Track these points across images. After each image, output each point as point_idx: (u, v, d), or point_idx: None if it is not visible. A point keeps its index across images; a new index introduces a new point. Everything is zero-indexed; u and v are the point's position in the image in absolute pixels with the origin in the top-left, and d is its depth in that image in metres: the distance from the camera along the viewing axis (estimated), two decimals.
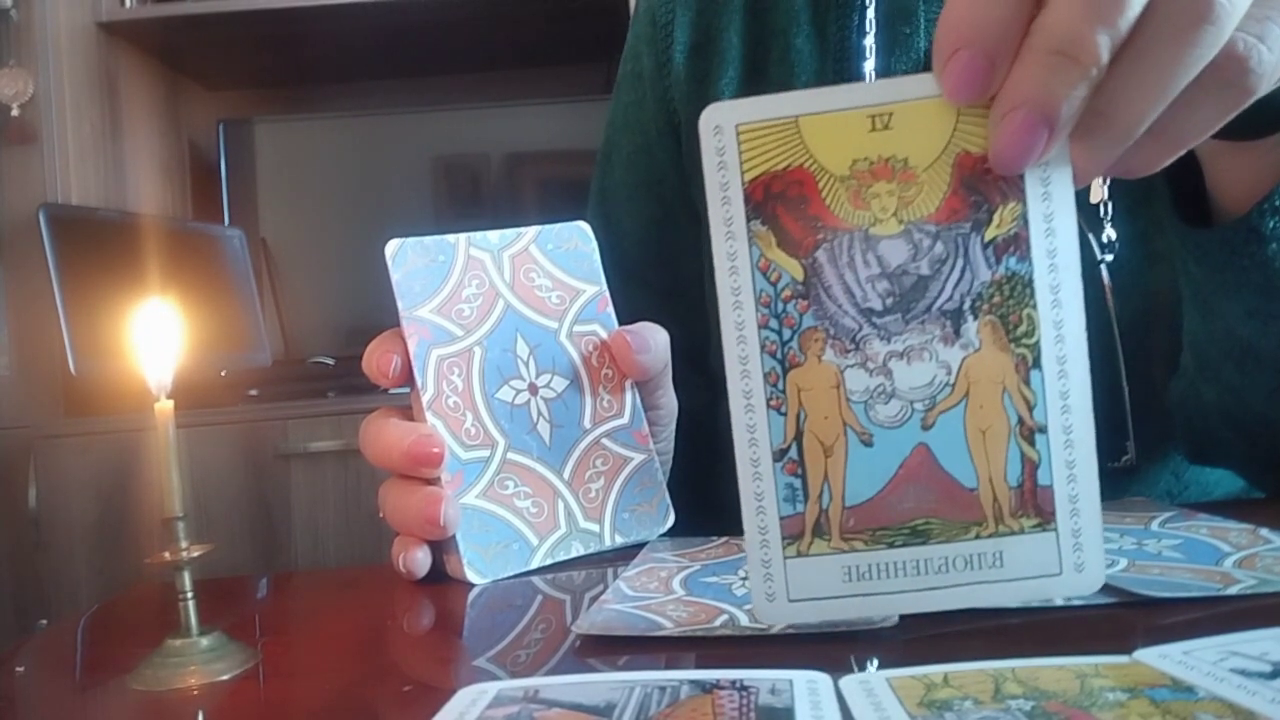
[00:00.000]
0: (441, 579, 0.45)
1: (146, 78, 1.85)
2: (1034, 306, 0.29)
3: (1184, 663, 0.26)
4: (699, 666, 0.31)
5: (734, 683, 0.27)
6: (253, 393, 1.65)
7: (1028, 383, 0.29)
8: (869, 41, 0.58)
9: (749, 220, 0.30)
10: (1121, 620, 0.32)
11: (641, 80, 0.67)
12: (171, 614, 0.35)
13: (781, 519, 0.30)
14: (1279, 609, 0.31)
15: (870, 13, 0.58)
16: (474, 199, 1.97)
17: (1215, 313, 0.47)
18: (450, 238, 0.47)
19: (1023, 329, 0.29)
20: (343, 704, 0.32)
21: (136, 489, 1.45)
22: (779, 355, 0.30)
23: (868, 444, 0.30)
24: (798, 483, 0.30)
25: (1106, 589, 0.34)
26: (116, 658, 0.36)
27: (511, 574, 0.44)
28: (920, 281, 0.29)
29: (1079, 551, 0.29)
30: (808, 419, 0.30)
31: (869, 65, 0.58)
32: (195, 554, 0.35)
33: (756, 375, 0.30)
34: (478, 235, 0.47)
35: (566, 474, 0.46)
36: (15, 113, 1.55)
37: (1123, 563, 0.37)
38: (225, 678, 0.34)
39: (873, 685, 0.27)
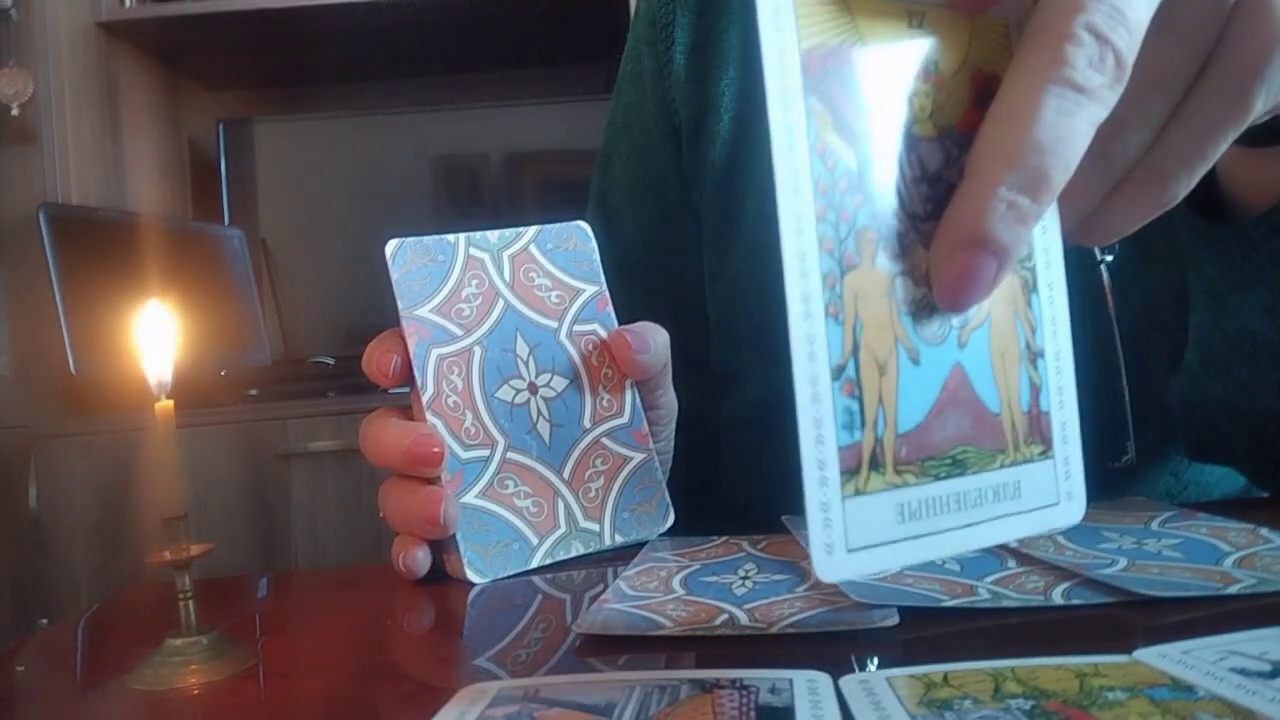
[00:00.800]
0: (441, 578, 0.45)
1: (146, 78, 1.85)
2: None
3: (1183, 662, 0.26)
4: (699, 666, 0.31)
5: (734, 682, 0.27)
6: (253, 392, 1.65)
7: (1030, 305, 0.29)
8: None
9: (806, 95, 0.26)
10: (1121, 620, 0.32)
11: (641, 81, 0.67)
12: (171, 614, 0.35)
13: (840, 449, 0.26)
14: (1278, 608, 0.31)
15: None
16: (474, 199, 1.97)
17: (1228, 308, 0.47)
18: (450, 237, 0.47)
19: (1023, 253, 0.28)
20: (343, 704, 0.32)
21: (136, 489, 1.45)
22: (836, 255, 0.27)
23: (915, 362, 0.27)
24: (855, 406, 0.27)
25: (1106, 589, 0.34)
26: (116, 658, 0.36)
27: (511, 573, 0.44)
28: (951, 190, 0.27)
29: (1069, 480, 0.29)
30: (864, 330, 0.27)
31: None
32: (195, 554, 0.35)
33: (814, 277, 0.27)
34: (477, 235, 0.47)
35: (566, 473, 0.46)
36: (15, 113, 1.55)
37: (1122, 562, 0.37)
38: (225, 677, 0.34)
39: (873, 685, 0.27)
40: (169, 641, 0.34)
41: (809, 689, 0.27)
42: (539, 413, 0.46)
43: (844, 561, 0.27)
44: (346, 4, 1.67)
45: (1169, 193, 0.29)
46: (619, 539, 0.47)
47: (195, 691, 0.33)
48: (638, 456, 0.48)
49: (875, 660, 0.30)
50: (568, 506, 0.46)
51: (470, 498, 0.44)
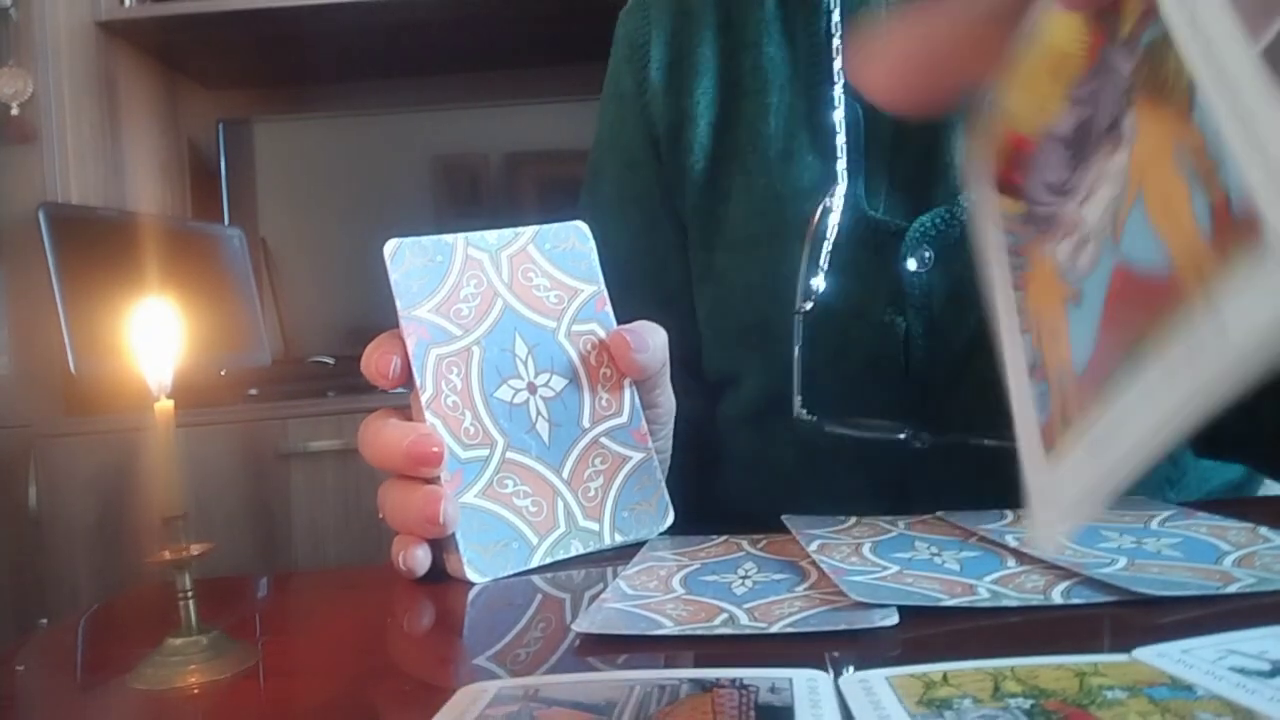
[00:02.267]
0: (441, 578, 0.45)
1: (146, 77, 1.85)
2: (1174, 44, 0.24)
3: (1183, 661, 0.26)
4: (699, 666, 0.31)
5: (734, 682, 0.27)
6: (253, 392, 1.65)
7: (1192, 120, 0.24)
8: (838, 42, 0.60)
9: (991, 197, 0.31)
10: (1121, 619, 0.32)
11: (622, 101, 0.70)
12: (171, 614, 0.35)
13: (1040, 429, 0.28)
14: (1277, 607, 0.31)
15: (835, 16, 0.61)
16: (473, 199, 1.97)
17: None
18: (448, 238, 0.47)
19: (1172, 74, 0.25)
20: (343, 704, 0.32)
21: (136, 489, 1.45)
22: (1018, 283, 0.30)
23: (1077, 302, 0.27)
24: (1044, 386, 0.28)
25: (1106, 588, 0.34)
26: (116, 658, 0.36)
27: (511, 573, 0.44)
28: (1083, 123, 0.28)
29: None
30: (1043, 322, 0.29)
31: (837, 65, 0.60)
32: (195, 553, 0.35)
33: (1015, 333, 0.30)
34: (475, 235, 0.47)
35: (565, 473, 0.46)
36: (15, 112, 1.55)
37: (1122, 561, 0.37)
38: (225, 677, 0.34)
39: (872, 684, 0.27)
40: (169, 641, 0.34)
41: (809, 688, 0.27)
42: (538, 412, 0.46)
43: (1062, 525, 0.28)
44: (346, 4, 1.67)
45: None
46: (618, 538, 0.47)
47: (195, 691, 0.33)
48: (637, 456, 0.48)
49: (875, 660, 0.30)
50: (567, 506, 0.46)
51: (470, 497, 0.44)
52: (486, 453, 0.45)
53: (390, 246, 0.45)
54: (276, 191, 1.92)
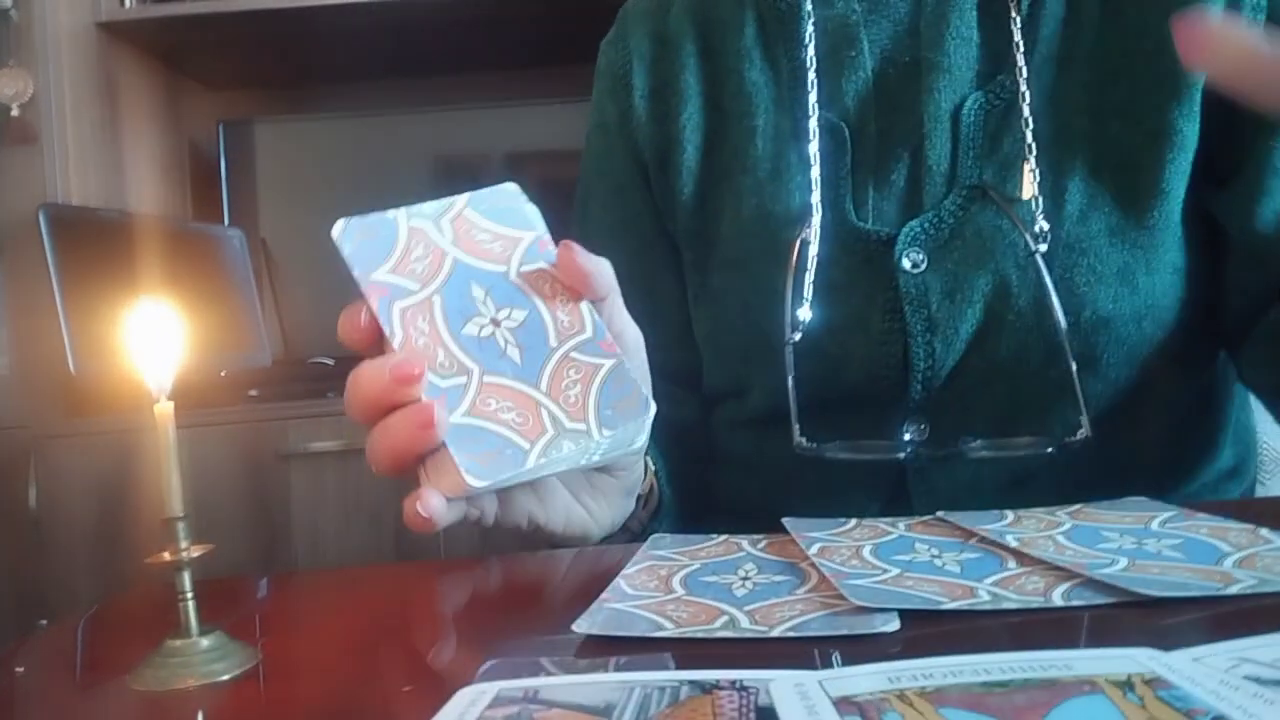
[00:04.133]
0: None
1: (146, 78, 1.85)
2: None
3: (1194, 672, 0.26)
4: (699, 666, 0.31)
5: (734, 683, 0.27)
6: (253, 393, 1.65)
7: None
8: (813, 75, 0.62)
9: None
10: (1121, 620, 0.32)
11: (608, 131, 0.72)
12: (171, 614, 0.35)
13: None
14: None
15: (811, 50, 0.62)
16: None
17: None
18: (389, 213, 0.48)
19: None
20: (343, 704, 0.32)
21: (136, 489, 1.45)
22: None
23: None
24: None
25: (1107, 589, 0.34)
26: (116, 658, 0.36)
27: (509, 474, 0.44)
28: None
29: None
30: None
31: (813, 98, 0.61)
32: (195, 554, 0.35)
33: None
34: (414, 208, 0.49)
35: (543, 386, 0.47)
36: (15, 113, 1.55)
37: (1123, 562, 0.37)
38: (225, 678, 0.34)
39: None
40: (169, 642, 0.34)
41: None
42: (506, 340, 0.47)
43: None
44: (346, 4, 1.67)
45: None
46: (606, 433, 0.46)
47: (195, 692, 0.33)
48: (608, 362, 0.48)
49: (874, 660, 0.30)
50: (550, 413, 0.46)
51: (456, 417, 0.44)
52: (464, 380, 0.46)
53: (337, 227, 0.48)
54: (277, 192, 1.91)
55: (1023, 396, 0.58)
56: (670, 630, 0.34)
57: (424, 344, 0.46)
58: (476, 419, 0.45)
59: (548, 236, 0.50)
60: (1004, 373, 0.57)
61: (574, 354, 0.48)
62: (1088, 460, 0.56)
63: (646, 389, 0.49)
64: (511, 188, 0.51)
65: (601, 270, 0.48)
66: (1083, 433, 0.56)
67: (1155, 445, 0.61)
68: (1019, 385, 0.58)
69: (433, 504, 0.43)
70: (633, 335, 0.51)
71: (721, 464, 0.68)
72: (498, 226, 0.49)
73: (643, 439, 0.49)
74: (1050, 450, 0.56)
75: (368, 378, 0.44)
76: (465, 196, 0.50)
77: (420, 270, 0.47)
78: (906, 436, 0.59)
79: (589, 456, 0.47)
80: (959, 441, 0.57)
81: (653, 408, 0.48)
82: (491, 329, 0.47)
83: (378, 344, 0.46)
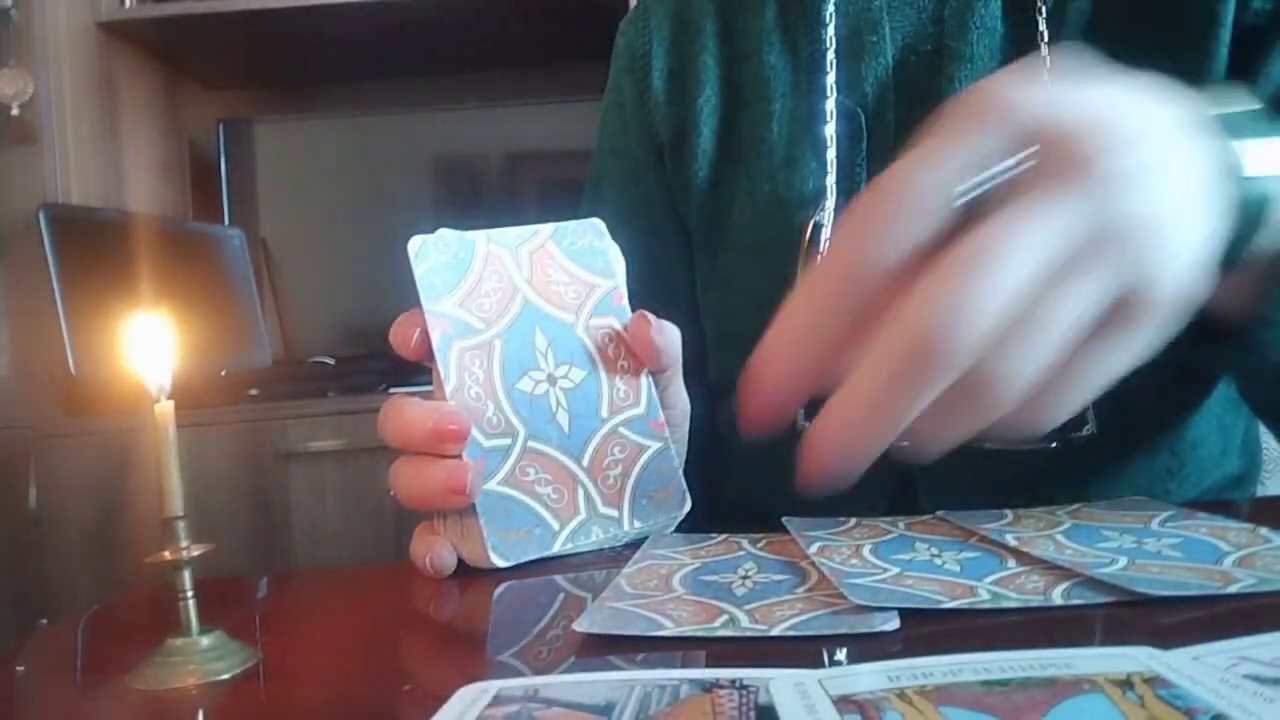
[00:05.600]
0: (464, 572, 0.45)
1: (146, 78, 1.85)
2: None
3: (1193, 671, 0.26)
4: (699, 665, 0.31)
5: (734, 682, 0.27)
6: (253, 393, 1.65)
7: None
8: (832, 56, 0.61)
9: None
10: (1121, 619, 0.32)
11: (624, 110, 0.71)
12: (171, 614, 0.35)
13: None
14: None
15: (831, 29, 0.61)
16: (474, 199, 1.97)
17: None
18: (470, 234, 0.48)
19: None
20: (343, 704, 0.32)
21: (136, 489, 1.45)
22: None
23: None
24: None
25: (1106, 588, 0.34)
26: (116, 658, 0.36)
27: (533, 557, 0.45)
28: None
29: None
30: None
31: (830, 79, 0.61)
32: (195, 554, 0.35)
33: None
34: (496, 232, 0.48)
35: (585, 461, 0.47)
36: (15, 113, 1.55)
37: (1122, 561, 0.37)
38: (225, 678, 0.34)
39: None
40: (169, 641, 0.34)
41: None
42: (558, 403, 0.47)
43: None
44: (346, 4, 1.67)
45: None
46: (637, 524, 0.47)
47: (195, 691, 0.33)
48: (654, 445, 0.48)
49: (873, 660, 0.30)
50: (587, 493, 0.47)
51: (493, 485, 0.45)
52: (509, 442, 0.46)
53: (414, 244, 0.46)
54: (276, 192, 1.91)
55: None
56: (670, 629, 0.34)
57: (476, 394, 0.45)
58: (513, 489, 0.45)
59: (624, 288, 0.50)
60: None
61: (622, 429, 0.48)
62: (1095, 461, 0.56)
63: (683, 481, 0.49)
64: (597, 223, 0.51)
65: (670, 344, 0.48)
66: (1089, 429, 0.55)
67: (1162, 449, 0.60)
68: None
69: (444, 561, 0.45)
70: (682, 408, 0.52)
71: (728, 461, 0.68)
72: (576, 268, 0.49)
73: (671, 529, 0.49)
74: (1055, 445, 0.55)
75: (411, 419, 0.44)
76: (551, 227, 0.49)
77: (488, 306, 0.47)
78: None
79: (615, 542, 0.47)
80: None
81: (688, 504, 0.49)
82: (547, 387, 0.47)
83: (428, 357, 0.46)
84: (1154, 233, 0.31)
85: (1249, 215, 0.37)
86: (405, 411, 0.45)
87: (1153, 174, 0.31)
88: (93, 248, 1.50)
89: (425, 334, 0.45)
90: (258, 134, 1.91)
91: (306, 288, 1.93)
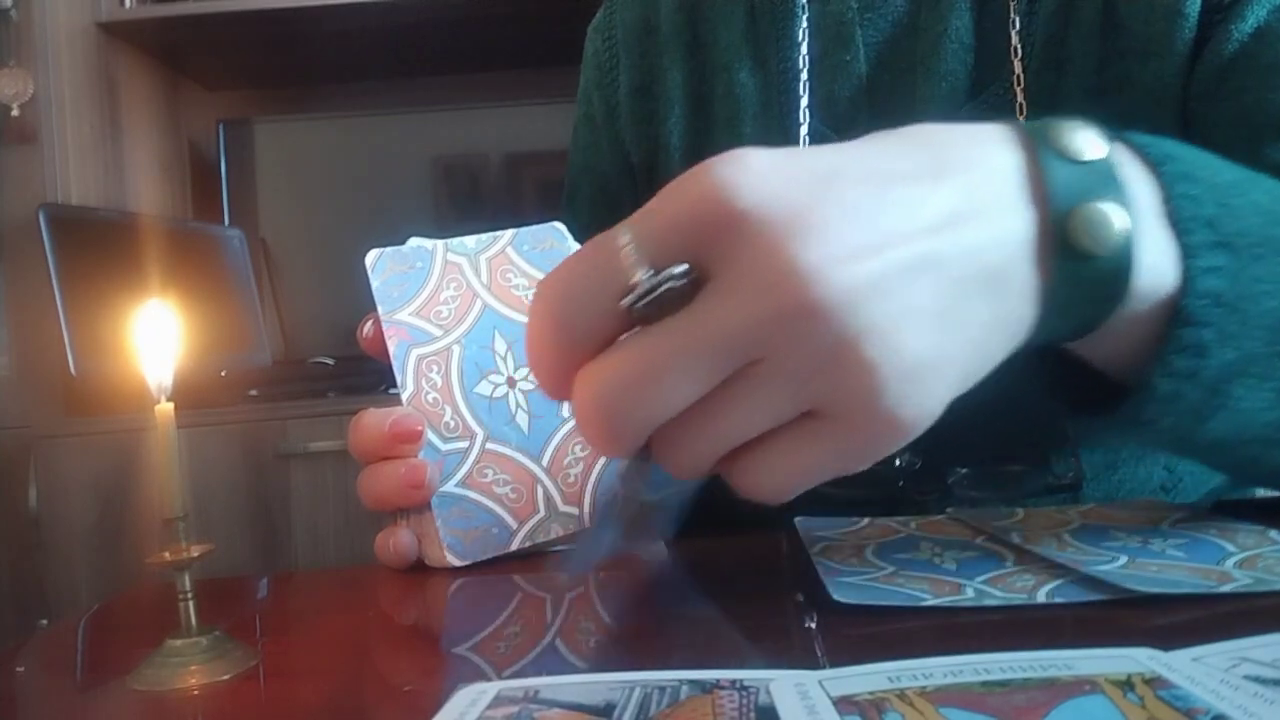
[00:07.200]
0: (421, 570, 0.45)
1: (146, 78, 1.85)
2: None
3: (1194, 671, 0.26)
4: (699, 666, 0.31)
5: (734, 682, 0.27)
6: (253, 393, 1.65)
7: None
8: (805, 77, 0.60)
9: None
10: (1121, 619, 0.32)
11: (594, 124, 0.71)
12: (171, 614, 0.35)
13: None
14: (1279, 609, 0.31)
15: (804, 49, 0.60)
16: (474, 199, 1.97)
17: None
18: (428, 244, 0.48)
19: None
20: (343, 704, 0.32)
21: (136, 489, 1.45)
22: None
23: None
24: None
25: (1097, 585, 0.34)
26: (116, 658, 0.36)
27: (490, 556, 0.45)
28: None
29: None
30: None
31: (804, 102, 0.60)
32: (195, 554, 0.35)
33: None
34: (455, 241, 0.49)
35: (545, 461, 0.47)
36: (15, 113, 1.55)
37: (1122, 559, 0.37)
38: (225, 678, 0.34)
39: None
40: (169, 642, 0.34)
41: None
42: (517, 405, 0.47)
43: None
44: (346, 4, 1.67)
45: None
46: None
47: (195, 692, 0.33)
48: None
49: (873, 659, 0.30)
50: (547, 492, 0.47)
51: (450, 486, 0.45)
52: (466, 445, 0.46)
53: (371, 257, 0.47)
54: (276, 192, 1.91)
55: (1016, 428, 0.56)
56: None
57: (433, 399, 0.46)
58: (470, 490, 0.46)
59: None
60: (998, 398, 0.56)
61: None
62: (1090, 480, 0.55)
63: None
64: (558, 226, 0.51)
65: None
66: (1073, 476, 0.53)
67: (1156, 465, 0.59)
68: (1012, 414, 0.56)
69: (405, 545, 0.46)
70: None
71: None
72: (536, 272, 0.49)
73: None
74: (1040, 490, 0.53)
75: (369, 425, 0.45)
76: (510, 233, 0.50)
77: (446, 314, 0.47)
78: (897, 464, 0.58)
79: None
80: (947, 474, 0.55)
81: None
82: (506, 389, 0.47)
83: (381, 353, 0.47)
84: (845, 363, 0.27)
85: (1097, 285, 0.31)
86: (364, 420, 0.46)
87: (872, 293, 0.27)
88: (92, 248, 1.50)
89: (377, 327, 0.47)
90: (257, 134, 1.91)
91: (306, 288, 1.92)
